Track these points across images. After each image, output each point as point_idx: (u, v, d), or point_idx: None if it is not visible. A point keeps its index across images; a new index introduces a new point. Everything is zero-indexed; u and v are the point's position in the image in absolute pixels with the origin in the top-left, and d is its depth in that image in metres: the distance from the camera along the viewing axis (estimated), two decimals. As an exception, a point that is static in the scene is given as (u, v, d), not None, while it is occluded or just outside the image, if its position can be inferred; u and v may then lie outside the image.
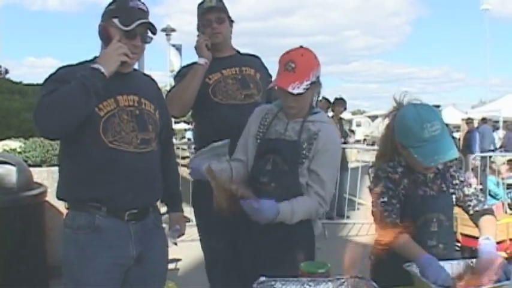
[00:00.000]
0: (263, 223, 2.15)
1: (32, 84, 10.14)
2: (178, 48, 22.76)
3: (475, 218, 2.27)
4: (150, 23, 2.19)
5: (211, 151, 2.44)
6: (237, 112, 2.80)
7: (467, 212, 2.31)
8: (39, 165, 5.06)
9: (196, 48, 2.92)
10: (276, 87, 2.33)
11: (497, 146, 15.77)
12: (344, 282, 1.74)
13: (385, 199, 2.19)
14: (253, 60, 3.14)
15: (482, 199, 2.35)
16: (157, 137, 2.29)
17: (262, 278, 1.75)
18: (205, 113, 2.94)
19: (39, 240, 4.39)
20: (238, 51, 3.14)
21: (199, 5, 3.02)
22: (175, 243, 2.51)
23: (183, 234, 2.58)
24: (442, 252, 2.19)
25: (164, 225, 2.46)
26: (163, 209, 2.70)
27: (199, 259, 5.87)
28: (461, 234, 5.33)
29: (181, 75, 2.97)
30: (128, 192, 2.15)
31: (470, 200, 2.29)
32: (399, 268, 1.98)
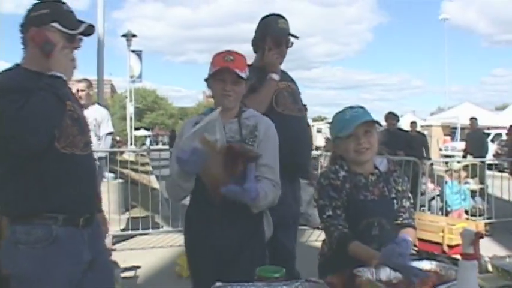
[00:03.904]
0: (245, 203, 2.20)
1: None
2: (138, 54, 22.65)
3: (398, 227, 2.30)
4: (93, 25, 2.19)
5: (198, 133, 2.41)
6: (296, 123, 3.07)
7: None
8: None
9: (267, 63, 3.10)
10: (219, 71, 2.33)
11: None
12: (299, 285, 1.75)
13: (330, 212, 2.22)
14: (289, 77, 3.30)
15: (413, 215, 2.38)
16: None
17: (218, 284, 1.74)
18: None
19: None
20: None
21: (266, 18, 3.22)
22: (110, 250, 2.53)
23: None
24: None
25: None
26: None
27: (158, 266, 5.87)
28: (419, 239, 5.43)
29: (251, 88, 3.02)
30: (81, 197, 2.14)
31: (404, 212, 2.33)
32: (346, 267, 1.99)
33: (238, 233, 2.33)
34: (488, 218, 7.59)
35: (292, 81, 3.29)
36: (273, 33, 3.14)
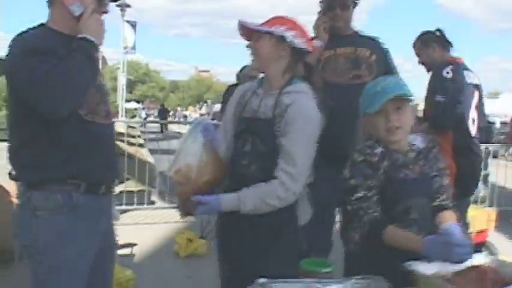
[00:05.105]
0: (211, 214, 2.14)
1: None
2: (133, 25, 22.12)
3: (436, 209, 2.10)
4: None
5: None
6: (342, 91, 2.84)
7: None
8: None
9: (314, 28, 2.95)
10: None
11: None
12: (356, 284, 1.58)
13: (360, 194, 2.00)
14: (371, 42, 3.13)
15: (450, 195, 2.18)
16: None
17: (262, 280, 1.56)
18: None
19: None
20: (357, 32, 3.17)
21: None
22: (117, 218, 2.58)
23: None
24: None
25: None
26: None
27: (154, 244, 5.70)
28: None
29: None
30: (103, 166, 2.10)
31: (443, 193, 2.13)
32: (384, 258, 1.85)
33: (268, 220, 2.11)
34: (489, 206, 7.47)
35: (370, 45, 3.08)
36: None
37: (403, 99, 2.04)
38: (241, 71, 6.40)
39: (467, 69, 3.59)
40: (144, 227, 6.17)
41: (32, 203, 1.99)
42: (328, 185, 2.50)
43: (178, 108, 60.65)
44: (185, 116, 44.19)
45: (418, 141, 2.15)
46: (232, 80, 6.27)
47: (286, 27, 2.15)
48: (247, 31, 2.21)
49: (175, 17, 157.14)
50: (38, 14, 2.24)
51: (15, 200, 3.99)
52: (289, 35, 2.13)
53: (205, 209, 2.07)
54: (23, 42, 1.95)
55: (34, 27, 2.05)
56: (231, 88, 6.59)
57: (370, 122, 2.07)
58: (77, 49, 1.91)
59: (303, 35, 2.18)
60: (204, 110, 51.48)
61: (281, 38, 2.14)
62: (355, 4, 3.12)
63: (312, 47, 2.24)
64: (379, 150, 2.04)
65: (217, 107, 33.62)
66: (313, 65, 2.22)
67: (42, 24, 2.06)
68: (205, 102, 64.93)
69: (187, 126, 13.22)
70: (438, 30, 3.59)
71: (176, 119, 41.22)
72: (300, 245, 2.20)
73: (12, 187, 3.95)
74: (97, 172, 2.07)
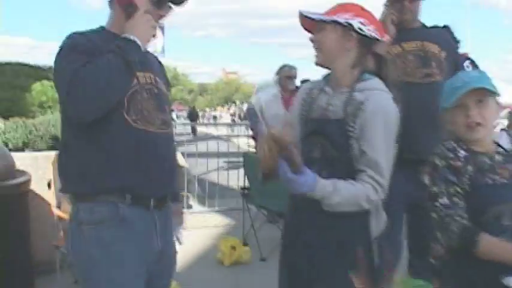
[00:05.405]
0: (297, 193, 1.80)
1: (10, 63, 9.67)
2: (161, 27, 22.22)
3: None
4: None
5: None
6: (414, 91, 2.59)
7: None
8: (22, 149, 4.55)
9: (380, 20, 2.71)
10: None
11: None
12: None
13: (445, 201, 1.80)
14: (440, 35, 2.92)
15: None
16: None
17: None
18: None
19: (22, 234, 3.91)
20: (424, 25, 2.96)
21: None
22: (180, 242, 2.25)
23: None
24: None
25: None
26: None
27: (195, 250, 5.53)
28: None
29: None
30: (153, 177, 1.91)
31: None
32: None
33: (335, 230, 1.90)
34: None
35: (438, 40, 2.85)
36: None
37: (485, 93, 1.81)
38: (279, 71, 6.21)
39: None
40: (185, 234, 6.02)
41: (79, 215, 1.87)
42: (396, 191, 2.27)
43: (207, 109, 60.87)
44: (215, 117, 44.20)
45: (503, 140, 1.92)
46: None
47: (352, 13, 1.90)
48: (309, 23, 1.98)
49: (200, 18, 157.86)
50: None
51: (55, 210, 3.95)
52: (357, 21, 1.89)
53: (297, 179, 1.74)
54: (68, 40, 1.84)
55: (92, 29, 1.96)
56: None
57: (449, 118, 1.86)
58: (114, 49, 1.75)
59: (372, 20, 1.93)
60: (232, 110, 51.48)
61: (348, 27, 1.90)
62: None
63: (383, 34, 2.00)
64: (462, 153, 1.82)
65: (246, 106, 33.92)
66: (384, 56, 1.98)
67: (102, 27, 1.97)
68: (234, 102, 65.03)
69: (218, 127, 13.15)
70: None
71: (205, 120, 41.26)
72: (371, 259, 1.97)
73: (51, 197, 3.85)
74: (144, 184, 1.89)
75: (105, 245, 1.85)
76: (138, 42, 1.79)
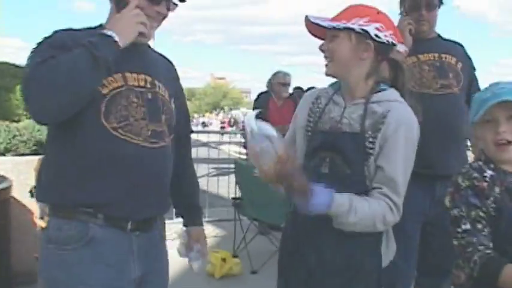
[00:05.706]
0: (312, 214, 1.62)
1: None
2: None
3: None
4: None
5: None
6: (430, 102, 2.42)
7: None
8: (3, 154, 4.33)
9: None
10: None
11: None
12: None
13: (467, 226, 1.63)
14: (456, 48, 2.82)
15: None
16: (171, 131, 1.84)
17: None
18: None
19: (2, 243, 3.73)
20: (439, 35, 2.84)
21: None
22: (194, 269, 2.08)
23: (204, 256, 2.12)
24: None
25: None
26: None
27: (185, 263, 5.22)
28: None
29: None
30: (132, 196, 1.68)
31: None
32: None
33: (341, 255, 1.75)
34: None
35: (455, 52, 2.76)
36: None
37: None
38: (272, 77, 6.06)
39: None
40: (172, 243, 5.82)
41: (48, 231, 1.70)
42: (411, 211, 2.09)
43: (195, 115, 60.65)
44: (203, 123, 43.95)
45: None
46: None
47: (367, 18, 1.73)
48: (317, 29, 1.80)
49: (189, 24, 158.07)
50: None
51: (38, 221, 3.74)
52: (373, 27, 1.72)
53: (309, 200, 1.58)
54: (48, 36, 1.69)
55: (89, 27, 1.79)
56: (263, 96, 6.27)
57: (478, 134, 1.70)
58: (86, 44, 1.55)
59: (388, 25, 1.77)
60: (221, 116, 51.35)
61: (363, 34, 1.73)
62: (441, 3, 2.77)
63: (400, 39, 1.84)
64: (489, 173, 1.66)
65: (235, 113, 33.48)
66: (401, 63, 1.82)
67: (101, 25, 1.79)
68: (222, 108, 64.91)
69: (206, 135, 12.87)
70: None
71: (194, 128, 40.97)
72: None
73: (34, 206, 3.66)
74: (120, 203, 1.67)
75: (68, 267, 1.66)
76: (116, 38, 1.58)
